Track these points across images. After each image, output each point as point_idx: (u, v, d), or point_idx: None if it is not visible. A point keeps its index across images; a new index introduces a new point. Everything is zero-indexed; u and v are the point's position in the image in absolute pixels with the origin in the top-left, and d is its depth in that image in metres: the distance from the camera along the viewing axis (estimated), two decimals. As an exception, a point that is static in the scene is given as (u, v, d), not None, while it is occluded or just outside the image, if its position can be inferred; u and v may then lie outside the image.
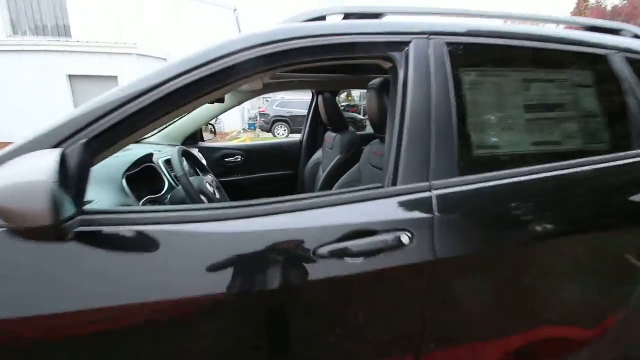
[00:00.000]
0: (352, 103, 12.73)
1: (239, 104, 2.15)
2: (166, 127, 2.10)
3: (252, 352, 0.78)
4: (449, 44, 0.88)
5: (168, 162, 1.44)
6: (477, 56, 0.93)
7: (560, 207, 0.90)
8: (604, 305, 0.99)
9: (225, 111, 2.12)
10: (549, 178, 0.89)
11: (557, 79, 0.99)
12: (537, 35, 0.96)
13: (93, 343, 0.68)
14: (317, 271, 0.74)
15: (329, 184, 1.87)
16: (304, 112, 3.03)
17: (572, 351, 1.01)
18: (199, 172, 1.42)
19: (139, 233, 0.69)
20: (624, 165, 0.95)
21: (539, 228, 0.88)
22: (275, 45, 0.77)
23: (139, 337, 0.70)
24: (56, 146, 0.65)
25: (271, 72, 0.81)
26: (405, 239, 0.77)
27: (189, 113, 1.86)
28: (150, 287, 0.68)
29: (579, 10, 22.59)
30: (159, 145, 2.03)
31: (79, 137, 0.67)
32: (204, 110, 2.07)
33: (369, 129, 3.40)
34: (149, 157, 1.34)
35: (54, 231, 0.58)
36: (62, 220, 0.58)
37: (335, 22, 0.88)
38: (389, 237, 0.76)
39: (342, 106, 11.78)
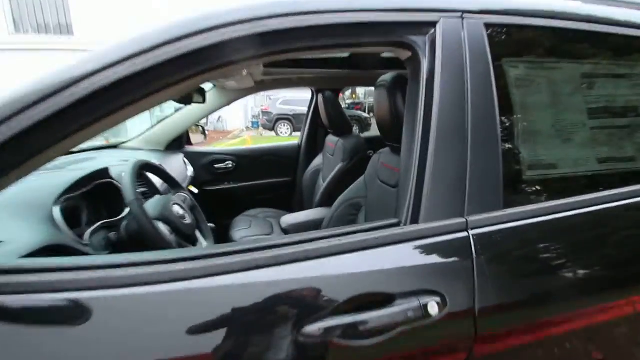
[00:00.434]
0: (356, 100, 12.46)
1: (228, 103, 1.94)
2: (149, 129, 1.89)
3: None
4: (488, 25, 0.63)
5: (140, 175, 1.20)
6: (529, 42, 0.68)
7: None
8: None
9: (212, 112, 1.92)
10: (633, 206, 0.66)
11: None
12: (614, 19, 0.70)
13: None
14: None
15: (329, 197, 1.63)
16: (307, 110, 2.80)
17: None
18: (170, 188, 1.19)
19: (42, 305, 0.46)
20: None
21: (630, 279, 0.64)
22: (237, 27, 0.52)
23: None
24: None
25: (244, 64, 0.57)
26: (433, 307, 0.53)
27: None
28: None
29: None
30: (140, 151, 1.82)
31: None
32: (190, 110, 1.87)
33: (374, 127, 3.14)
34: (104, 172, 1.10)
35: None
36: None
37: None
38: (408, 306, 0.52)
39: (346, 104, 11.56)
